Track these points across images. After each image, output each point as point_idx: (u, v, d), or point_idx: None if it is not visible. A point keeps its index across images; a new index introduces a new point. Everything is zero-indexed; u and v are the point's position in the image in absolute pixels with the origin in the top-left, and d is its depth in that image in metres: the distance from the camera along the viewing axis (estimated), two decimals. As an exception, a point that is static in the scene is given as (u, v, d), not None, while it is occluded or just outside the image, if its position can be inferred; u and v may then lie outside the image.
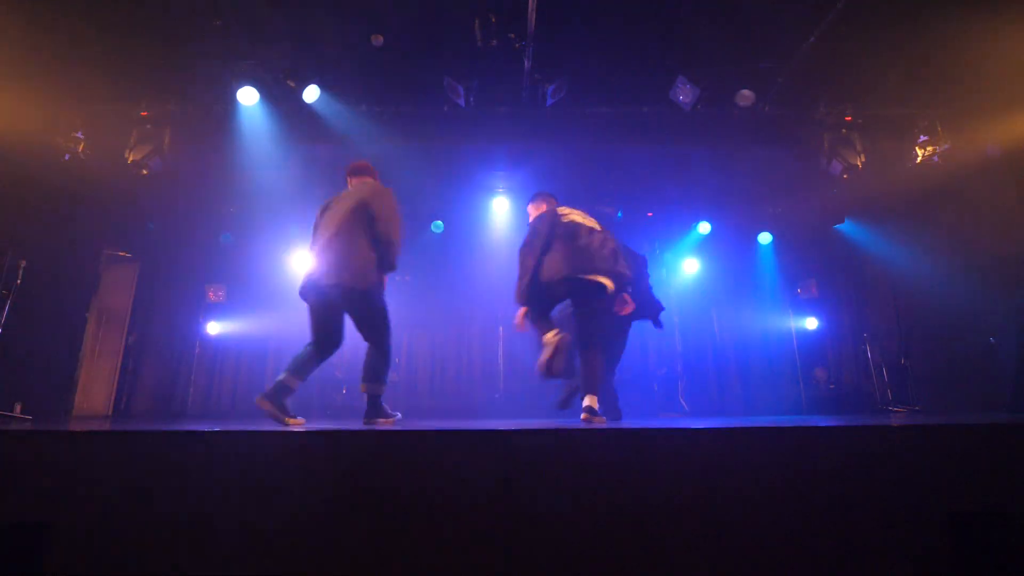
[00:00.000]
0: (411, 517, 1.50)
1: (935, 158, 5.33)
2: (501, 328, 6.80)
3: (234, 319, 6.65)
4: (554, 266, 3.02)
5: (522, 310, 3.25)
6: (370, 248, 2.94)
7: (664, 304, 3.97)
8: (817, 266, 6.84)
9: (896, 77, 5.01)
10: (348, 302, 2.91)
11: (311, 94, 4.99)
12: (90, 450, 1.61)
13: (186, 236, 6.65)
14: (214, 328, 6.60)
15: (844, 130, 5.46)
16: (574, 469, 1.57)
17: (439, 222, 6.96)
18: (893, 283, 6.51)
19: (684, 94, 4.95)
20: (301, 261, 6.73)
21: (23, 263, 4.43)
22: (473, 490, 1.53)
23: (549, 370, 2.90)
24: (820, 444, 1.63)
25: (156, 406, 6.28)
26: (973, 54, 4.48)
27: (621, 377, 6.47)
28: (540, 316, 3.13)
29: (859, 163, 5.41)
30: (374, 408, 2.91)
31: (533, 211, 3.55)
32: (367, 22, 4.48)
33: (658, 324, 3.86)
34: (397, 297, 3.46)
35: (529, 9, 4.06)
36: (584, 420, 2.79)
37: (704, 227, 7.04)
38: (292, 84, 4.91)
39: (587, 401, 2.87)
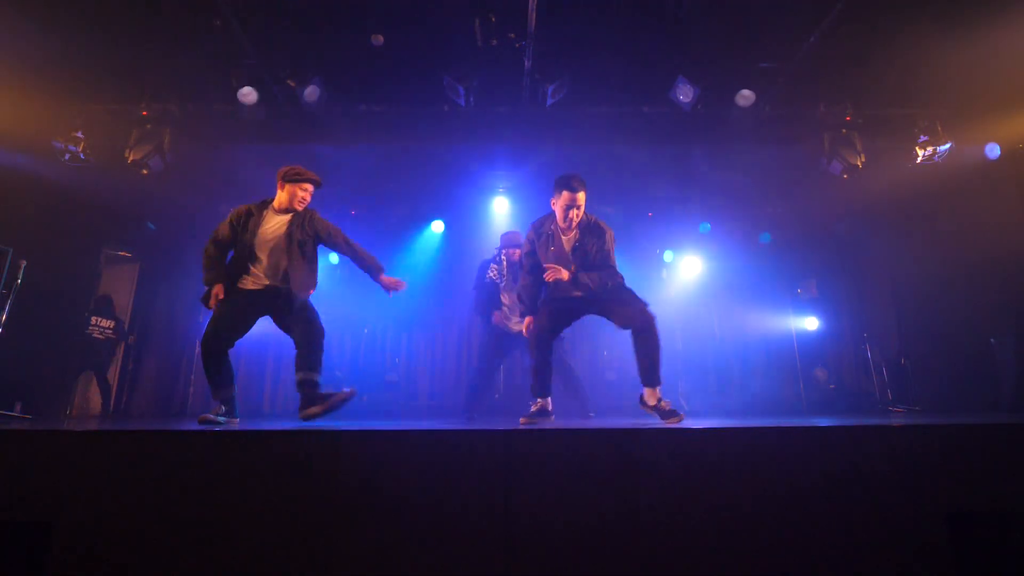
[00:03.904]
0: (411, 517, 1.50)
1: (935, 158, 5.33)
2: (501, 328, 6.78)
3: (234, 319, 6.62)
4: None
5: None
6: None
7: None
8: (817, 266, 6.84)
9: (896, 77, 5.00)
10: None
11: (311, 94, 4.99)
12: (90, 450, 1.61)
13: (186, 236, 6.64)
14: (214, 328, 6.59)
15: (844, 130, 5.45)
16: (574, 469, 1.57)
17: (440, 221, 6.96)
18: (893, 283, 6.51)
19: (684, 94, 4.94)
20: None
21: (23, 263, 4.44)
22: (473, 490, 1.53)
23: None
24: (820, 444, 1.63)
25: (156, 406, 6.28)
26: (973, 54, 4.47)
27: (621, 378, 6.51)
28: None
29: (859, 163, 5.40)
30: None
31: None
32: (367, 22, 4.48)
33: None
34: (396, 297, 3.45)
35: (529, 8, 4.05)
36: None
37: (704, 227, 7.04)
38: (292, 84, 4.91)
39: None
